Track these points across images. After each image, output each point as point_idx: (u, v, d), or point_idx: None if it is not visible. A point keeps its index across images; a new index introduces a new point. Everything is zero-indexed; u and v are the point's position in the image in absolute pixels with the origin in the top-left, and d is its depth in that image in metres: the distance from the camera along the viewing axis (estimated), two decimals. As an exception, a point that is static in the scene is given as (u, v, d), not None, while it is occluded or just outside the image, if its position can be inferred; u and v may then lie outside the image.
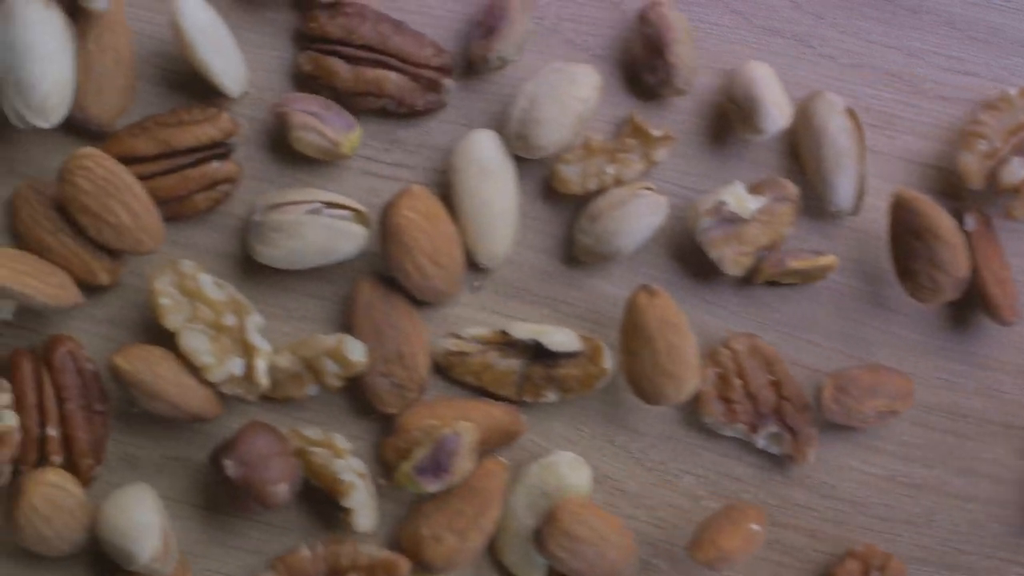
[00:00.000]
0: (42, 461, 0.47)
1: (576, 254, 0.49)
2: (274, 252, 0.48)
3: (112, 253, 0.48)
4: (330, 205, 0.48)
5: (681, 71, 0.48)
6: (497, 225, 0.48)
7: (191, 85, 0.49)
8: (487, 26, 0.48)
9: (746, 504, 0.49)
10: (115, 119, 0.48)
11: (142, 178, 0.47)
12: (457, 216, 0.48)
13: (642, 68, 0.49)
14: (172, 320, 0.47)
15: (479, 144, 0.48)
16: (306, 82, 0.49)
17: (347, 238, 0.48)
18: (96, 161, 0.46)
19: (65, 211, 0.47)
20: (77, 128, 0.48)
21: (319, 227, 0.47)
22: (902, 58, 0.52)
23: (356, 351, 0.47)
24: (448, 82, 0.49)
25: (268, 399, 0.49)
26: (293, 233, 0.47)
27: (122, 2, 0.48)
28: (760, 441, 0.49)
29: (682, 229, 0.50)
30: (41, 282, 0.46)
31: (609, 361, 0.48)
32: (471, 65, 0.49)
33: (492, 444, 0.48)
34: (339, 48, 0.48)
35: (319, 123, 0.47)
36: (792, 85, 0.51)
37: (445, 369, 0.49)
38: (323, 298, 0.49)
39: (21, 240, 0.48)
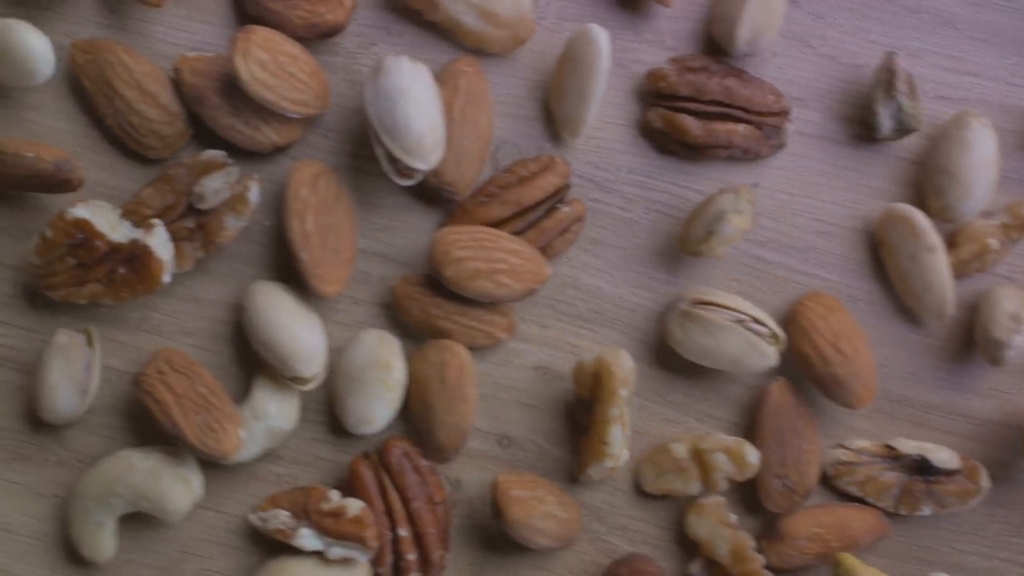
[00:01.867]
0: (397, 561, 0.48)
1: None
2: (688, 343, 0.48)
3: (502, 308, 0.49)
4: (754, 320, 0.49)
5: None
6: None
7: (526, 133, 0.50)
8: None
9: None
10: (467, 189, 0.49)
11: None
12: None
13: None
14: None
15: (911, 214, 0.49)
16: (654, 136, 0.50)
17: (760, 356, 0.48)
18: (462, 233, 0.48)
19: (446, 290, 0.48)
20: (429, 195, 0.49)
21: (739, 338, 0.48)
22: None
23: (753, 455, 0.48)
24: (789, 126, 0.50)
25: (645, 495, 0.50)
26: (713, 334, 0.48)
27: (486, 79, 0.49)
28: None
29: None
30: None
31: (986, 480, 0.49)
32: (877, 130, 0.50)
33: (860, 546, 0.49)
34: (687, 104, 0.49)
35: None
36: (792, 85, 0.51)
37: (831, 478, 0.50)
38: (724, 394, 0.50)
39: (417, 330, 0.49)
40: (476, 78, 0.49)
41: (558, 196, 0.49)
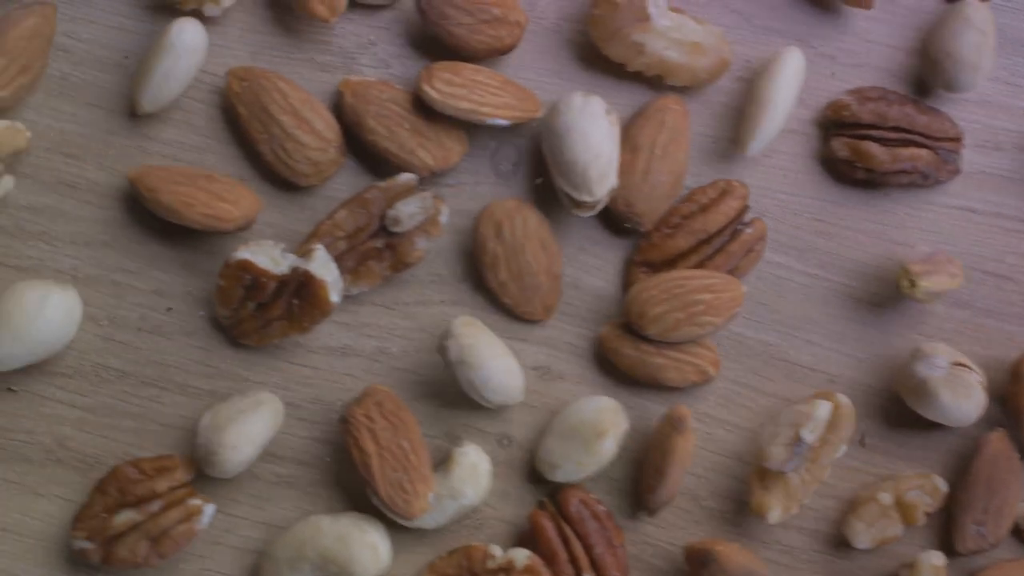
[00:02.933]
0: None
1: None
2: (945, 403, 0.49)
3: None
4: (972, 371, 0.49)
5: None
6: None
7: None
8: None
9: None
10: (652, 222, 0.50)
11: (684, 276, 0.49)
12: None
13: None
14: None
15: None
16: (837, 165, 0.51)
17: (977, 408, 0.49)
18: (652, 288, 0.48)
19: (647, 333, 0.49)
20: (617, 224, 0.50)
21: (979, 396, 0.49)
22: (902, 58, 0.52)
23: (942, 483, 0.49)
24: (963, 151, 0.51)
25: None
26: (968, 394, 0.49)
27: (688, 117, 0.50)
28: None
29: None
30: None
31: None
32: None
33: None
34: (870, 132, 0.50)
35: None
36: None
37: (1021, 530, 0.50)
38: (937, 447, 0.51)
39: (630, 374, 0.50)
40: (680, 116, 0.50)
41: (739, 219, 0.50)
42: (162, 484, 0.47)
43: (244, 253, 0.47)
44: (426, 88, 0.48)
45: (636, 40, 0.49)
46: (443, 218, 0.49)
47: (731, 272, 0.50)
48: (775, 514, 0.48)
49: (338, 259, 0.48)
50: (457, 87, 0.48)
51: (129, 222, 0.49)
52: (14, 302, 0.47)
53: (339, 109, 0.49)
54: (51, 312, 0.47)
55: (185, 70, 0.48)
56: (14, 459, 0.49)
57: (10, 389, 0.49)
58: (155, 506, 0.47)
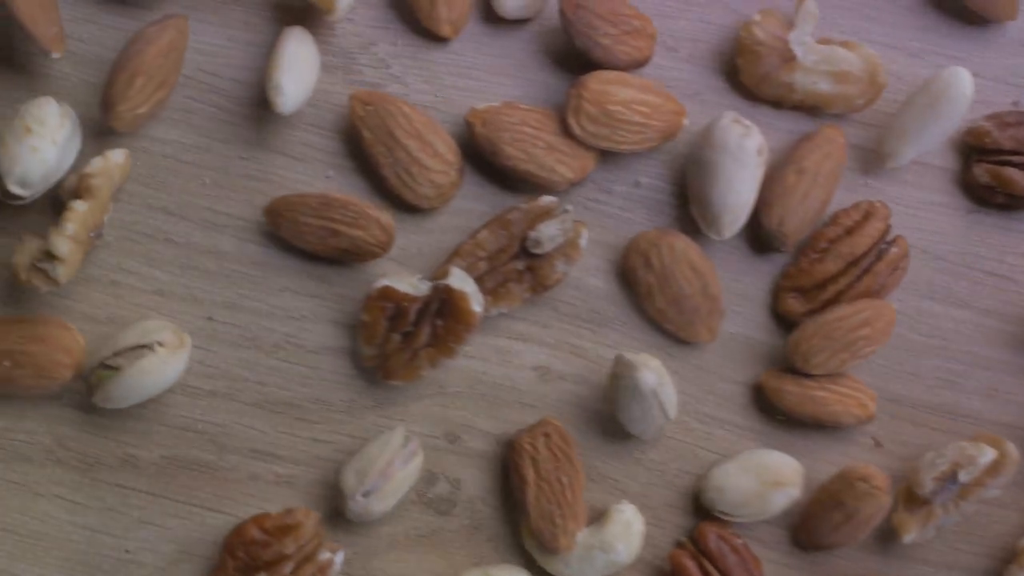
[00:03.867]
0: None
1: None
2: None
3: None
4: None
5: None
6: None
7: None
8: None
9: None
10: (793, 244, 0.50)
11: (840, 295, 0.50)
12: None
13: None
14: None
15: None
16: (978, 191, 0.51)
17: None
18: (810, 336, 0.49)
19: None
20: (762, 242, 0.50)
21: None
22: (902, 58, 0.52)
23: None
24: None
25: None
26: None
27: (845, 150, 0.50)
28: None
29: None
30: None
31: None
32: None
33: None
34: (1011, 158, 0.51)
35: None
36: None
37: None
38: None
39: (795, 415, 0.50)
40: (841, 148, 0.50)
41: (883, 239, 0.50)
42: (290, 545, 0.47)
43: (384, 281, 0.48)
44: (572, 123, 0.49)
45: (785, 80, 0.50)
46: (583, 241, 0.49)
47: (878, 291, 0.50)
48: (910, 536, 0.49)
49: (478, 280, 0.49)
50: (602, 126, 0.49)
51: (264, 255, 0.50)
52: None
53: (468, 138, 0.50)
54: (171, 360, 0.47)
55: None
56: (14, 459, 0.49)
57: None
58: (287, 568, 0.47)
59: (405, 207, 0.50)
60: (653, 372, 0.47)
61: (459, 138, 0.50)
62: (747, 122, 0.49)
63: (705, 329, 0.50)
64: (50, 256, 0.46)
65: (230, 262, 0.49)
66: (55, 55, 0.47)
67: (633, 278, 0.49)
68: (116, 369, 0.46)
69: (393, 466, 0.48)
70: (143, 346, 0.47)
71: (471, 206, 0.50)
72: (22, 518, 0.49)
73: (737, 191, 0.49)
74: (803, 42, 0.50)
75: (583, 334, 0.50)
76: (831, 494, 0.49)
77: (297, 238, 0.49)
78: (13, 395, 0.48)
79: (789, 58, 0.50)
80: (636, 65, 0.50)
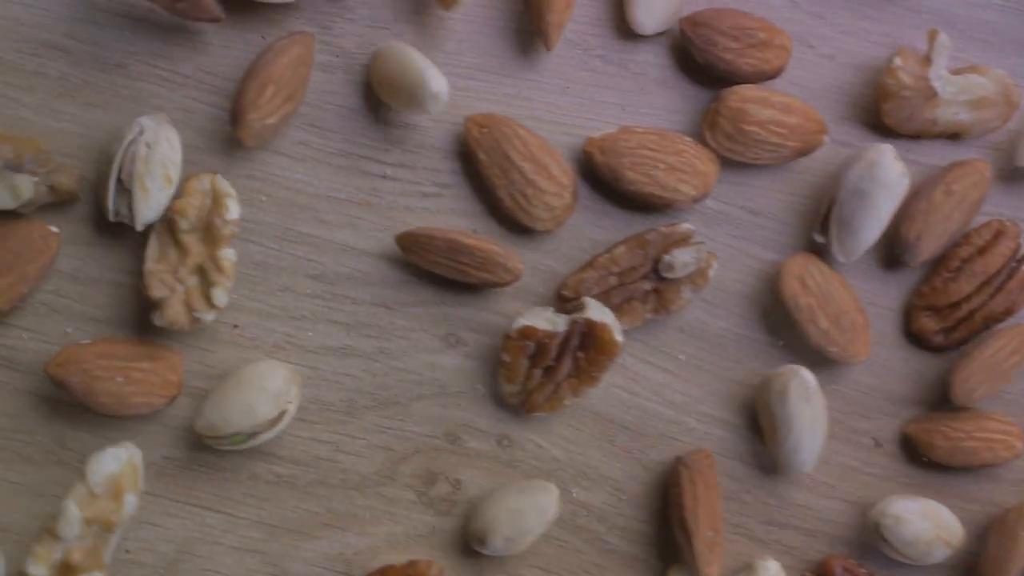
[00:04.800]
0: None
1: None
2: None
3: None
4: None
5: None
6: None
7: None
8: None
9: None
10: (922, 260, 0.50)
11: (973, 313, 0.50)
12: None
13: None
14: None
15: None
16: None
17: None
18: (973, 371, 0.50)
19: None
20: (892, 256, 0.51)
21: None
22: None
23: None
24: None
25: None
26: None
27: (988, 172, 0.51)
28: None
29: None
30: None
31: None
32: None
33: None
34: None
35: None
36: (792, 85, 0.51)
37: None
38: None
39: (946, 462, 0.51)
40: (985, 180, 0.51)
41: (1014, 257, 0.51)
42: None
43: (523, 320, 0.48)
44: (707, 137, 0.50)
45: (928, 117, 0.50)
46: (712, 272, 0.49)
47: (1010, 309, 0.50)
48: None
49: (606, 294, 0.49)
50: (736, 143, 0.50)
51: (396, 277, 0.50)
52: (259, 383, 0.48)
53: (587, 167, 0.50)
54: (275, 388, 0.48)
55: None
56: (14, 459, 0.49)
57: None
58: None
59: (518, 228, 0.50)
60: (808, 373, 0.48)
61: (574, 155, 0.50)
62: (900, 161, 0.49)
63: (863, 344, 0.50)
64: (209, 304, 0.47)
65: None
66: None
67: (794, 304, 0.49)
68: (254, 436, 0.48)
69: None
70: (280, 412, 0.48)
71: (584, 226, 0.51)
72: (22, 518, 0.49)
73: (882, 221, 0.49)
74: (941, 76, 0.50)
75: (583, 334, 0.50)
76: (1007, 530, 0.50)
77: (430, 268, 0.49)
78: (120, 414, 0.48)
79: (931, 95, 0.50)
80: (764, 77, 0.50)
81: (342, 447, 0.49)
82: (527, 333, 0.48)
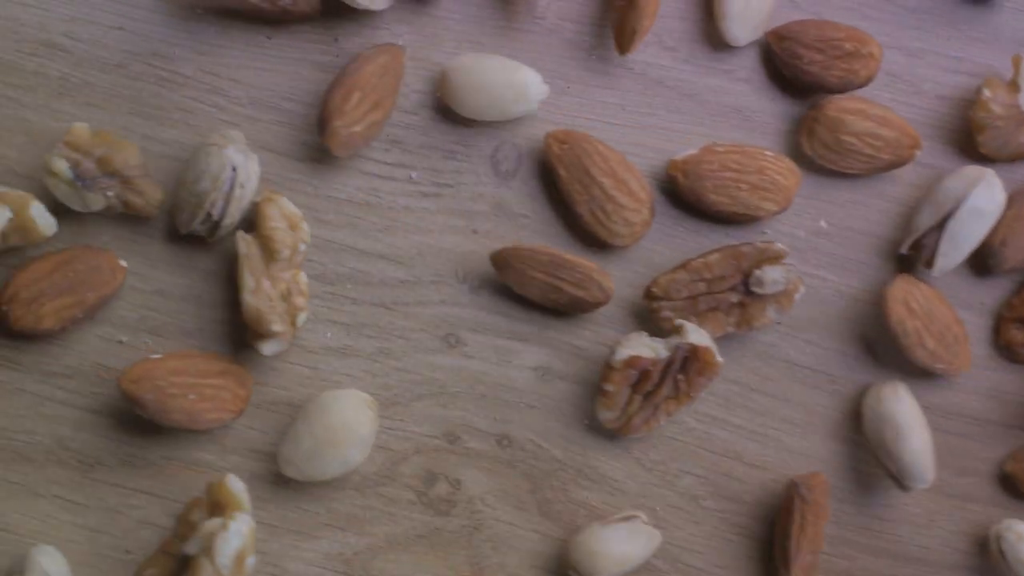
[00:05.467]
0: None
1: None
2: None
3: None
4: None
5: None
6: None
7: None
8: None
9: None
10: (1007, 268, 0.51)
11: None
12: None
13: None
14: None
15: None
16: None
17: None
18: None
19: None
20: (982, 265, 0.51)
21: None
22: (902, 58, 0.52)
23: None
24: None
25: None
26: None
27: None
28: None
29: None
30: None
31: None
32: None
33: None
34: None
35: None
36: (792, 85, 0.51)
37: None
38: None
39: None
40: None
41: None
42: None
43: (627, 351, 0.48)
44: (803, 143, 0.50)
45: (1022, 140, 0.51)
46: (798, 296, 0.49)
47: None
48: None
49: (693, 299, 0.49)
50: (832, 151, 0.50)
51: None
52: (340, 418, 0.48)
53: (671, 189, 0.50)
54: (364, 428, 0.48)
55: None
56: (14, 459, 0.49)
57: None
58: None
59: (596, 243, 0.50)
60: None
61: (652, 171, 0.51)
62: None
63: (964, 357, 0.50)
64: (294, 327, 0.48)
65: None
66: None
67: (902, 329, 0.49)
68: None
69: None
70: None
71: (660, 241, 0.51)
72: (22, 518, 0.49)
73: (977, 239, 0.49)
74: None
75: (583, 334, 0.50)
76: None
77: (520, 287, 0.49)
78: (190, 428, 0.48)
79: (1022, 120, 0.50)
80: (852, 87, 0.50)
81: (342, 447, 0.50)
82: (632, 363, 0.48)
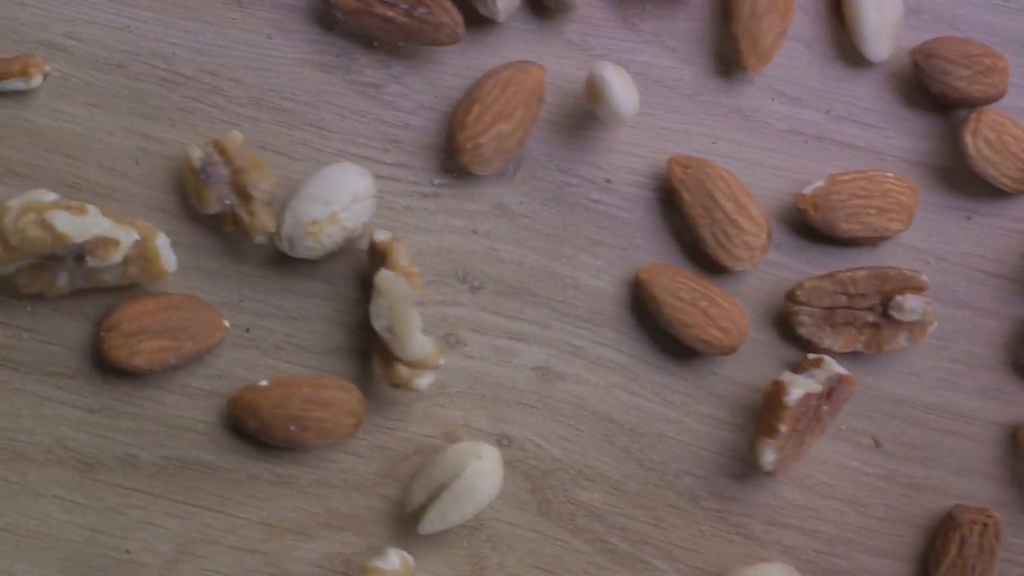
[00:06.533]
0: None
1: None
2: None
3: None
4: None
5: None
6: None
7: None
8: None
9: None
10: None
11: None
12: None
13: None
14: None
15: None
16: None
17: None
18: None
19: None
20: None
21: None
22: (902, 58, 0.52)
23: None
24: None
25: None
26: None
27: None
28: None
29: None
30: None
31: None
32: None
33: None
34: None
35: None
36: (792, 85, 0.51)
37: None
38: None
39: None
40: None
41: None
42: None
43: (796, 392, 0.48)
44: (968, 141, 0.50)
45: None
46: (931, 329, 0.50)
47: None
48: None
49: (831, 310, 0.50)
50: (995, 152, 0.50)
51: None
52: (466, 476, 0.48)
53: (806, 222, 0.50)
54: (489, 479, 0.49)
55: None
56: (14, 459, 0.49)
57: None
58: None
59: (715, 268, 0.50)
60: None
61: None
62: None
63: None
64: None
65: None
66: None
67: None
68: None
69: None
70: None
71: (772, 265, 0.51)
72: (22, 518, 0.49)
73: None
74: None
75: (583, 334, 0.50)
76: None
77: (659, 317, 0.50)
78: (296, 450, 0.49)
79: None
80: (992, 100, 0.51)
81: (342, 447, 0.49)
82: (807, 400, 0.48)
